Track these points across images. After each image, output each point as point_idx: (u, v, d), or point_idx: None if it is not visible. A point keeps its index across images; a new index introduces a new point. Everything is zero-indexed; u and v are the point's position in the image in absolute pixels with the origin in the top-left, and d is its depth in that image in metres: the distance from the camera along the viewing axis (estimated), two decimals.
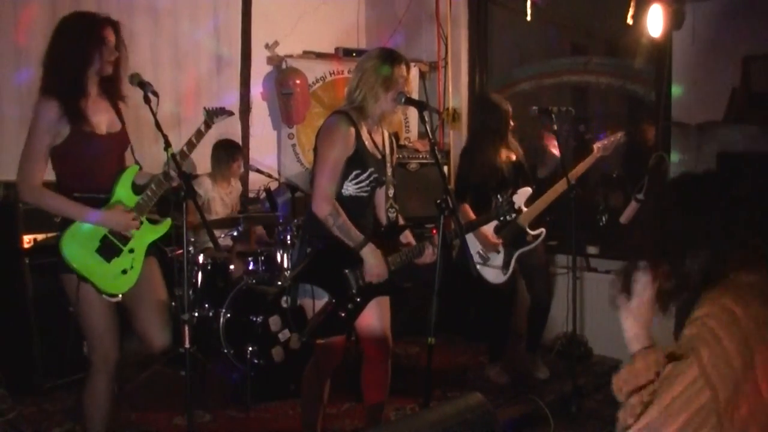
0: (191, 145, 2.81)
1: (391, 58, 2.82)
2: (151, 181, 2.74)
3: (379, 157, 2.91)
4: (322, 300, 2.78)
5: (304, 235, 2.90)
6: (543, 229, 4.10)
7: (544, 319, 4.39)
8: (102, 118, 2.70)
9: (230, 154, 4.67)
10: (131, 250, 2.74)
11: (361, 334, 2.96)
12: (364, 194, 2.86)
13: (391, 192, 2.94)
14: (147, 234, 2.78)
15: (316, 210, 2.74)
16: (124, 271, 2.72)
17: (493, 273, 4.04)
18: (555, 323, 4.82)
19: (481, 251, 4.06)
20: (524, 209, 3.94)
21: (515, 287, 4.27)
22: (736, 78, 4.04)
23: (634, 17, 4.23)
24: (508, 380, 4.23)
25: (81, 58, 2.60)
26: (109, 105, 2.75)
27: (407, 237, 3.03)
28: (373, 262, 2.76)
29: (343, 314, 2.78)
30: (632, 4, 4.20)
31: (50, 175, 2.71)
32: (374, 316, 2.89)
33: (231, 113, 3.11)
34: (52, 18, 4.29)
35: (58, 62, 2.60)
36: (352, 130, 2.77)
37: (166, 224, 2.82)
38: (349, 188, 2.82)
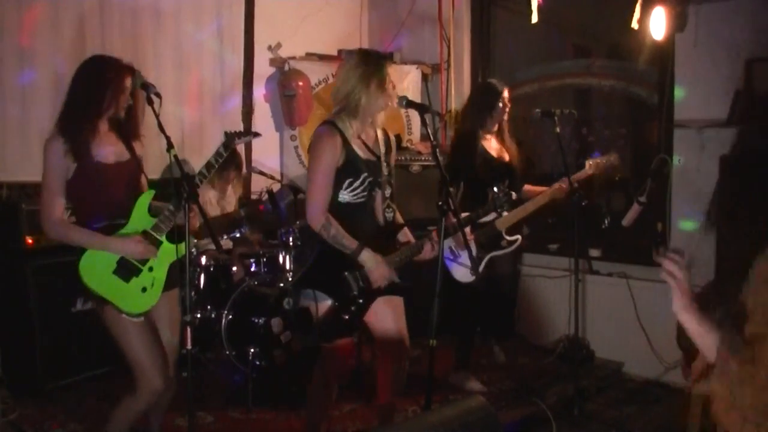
0: (210, 166, 2.86)
1: (374, 58, 2.85)
2: (168, 203, 2.77)
3: (374, 159, 2.90)
4: (324, 302, 2.77)
5: (303, 240, 2.91)
6: (519, 236, 4.08)
7: (511, 312, 4.69)
8: (109, 150, 2.76)
9: (223, 166, 4.65)
10: (150, 269, 2.76)
11: (375, 336, 2.96)
12: (362, 200, 2.85)
13: (387, 192, 2.93)
14: (167, 252, 2.79)
15: (310, 222, 2.77)
16: (144, 289, 2.74)
17: (461, 271, 4.00)
18: (557, 326, 4.83)
19: (452, 247, 4.01)
20: (504, 214, 3.92)
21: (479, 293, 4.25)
22: (739, 80, 4.04)
23: (637, 22, 4.22)
24: (483, 387, 4.17)
25: (97, 103, 2.69)
26: (117, 138, 2.80)
27: (406, 235, 3.02)
28: (373, 266, 2.77)
29: (346, 316, 2.78)
30: (637, 7, 4.18)
31: None
32: (389, 318, 2.90)
33: (256, 134, 3.19)
34: (55, 19, 4.31)
35: (74, 103, 2.70)
36: (338, 138, 2.77)
37: (182, 247, 2.80)
38: (345, 196, 2.82)
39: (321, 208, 2.76)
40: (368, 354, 4.03)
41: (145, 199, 2.79)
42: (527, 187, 4.21)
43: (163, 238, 2.77)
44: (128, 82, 2.73)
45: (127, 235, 2.71)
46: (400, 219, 3.04)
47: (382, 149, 2.94)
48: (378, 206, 2.96)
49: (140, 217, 2.77)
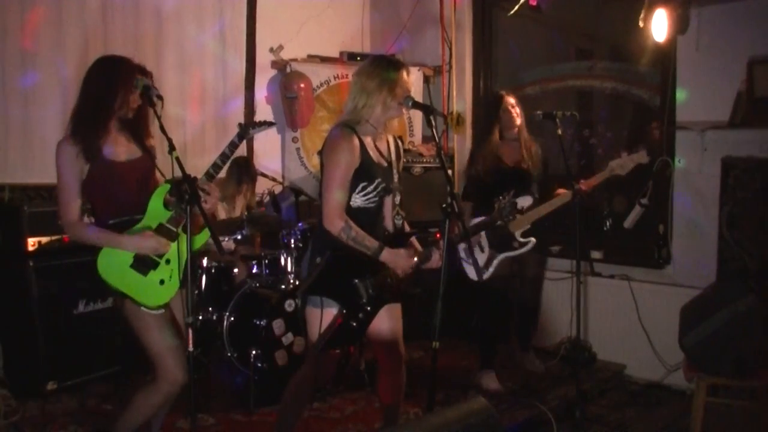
0: (225, 156, 2.86)
1: (392, 64, 2.82)
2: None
3: (385, 164, 2.89)
4: (329, 309, 2.75)
5: (312, 246, 2.88)
6: (533, 239, 4.05)
7: (533, 320, 4.60)
8: (120, 149, 2.78)
9: (239, 177, 4.67)
10: (168, 261, 2.77)
11: (373, 342, 2.96)
12: (372, 205, 2.83)
13: (397, 199, 2.92)
14: (183, 244, 2.78)
15: (328, 226, 2.72)
16: (162, 282, 2.75)
17: (473, 270, 4.00)
18: (559, 328, 4.82)
19: (464, 248, 3.98)
20: (518, 216, 3.90)
21: (508, 295, 4.28)
22: (741, 82, 4.04)
23: (642, 20, 4.21)
24: (499, 388, 4.14)
25: (108, 104, 2.71)
26: (128, 138, 2.82)
27: (413, 244, 3.00)
28: (395, 260, 2.78)
29: (354, 324, 2.77)
30: (645, 7, 4.15)
31: None
32: (385, 325, 2.89)
33: (272, 124, 3.12)
34: (57, 22, 4.32)
35: (86, 104, 2.72)
36: (356, 141, 2.75)
37: (204, 235, 2.83)
38: (357, 200, 2.79)
39: (340, 211, 2.72)
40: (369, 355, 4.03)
41: (160, 193, 2.81)
42: (560, 191, 4.07)
43: (180, 230, 2.78)
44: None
45: (139, 232, 2.72)
46: (407, 227, 3.03)
47: (393, 156, 2.94)
48: (387, 212, 2.95)
49: (156, 210, 2.79)
